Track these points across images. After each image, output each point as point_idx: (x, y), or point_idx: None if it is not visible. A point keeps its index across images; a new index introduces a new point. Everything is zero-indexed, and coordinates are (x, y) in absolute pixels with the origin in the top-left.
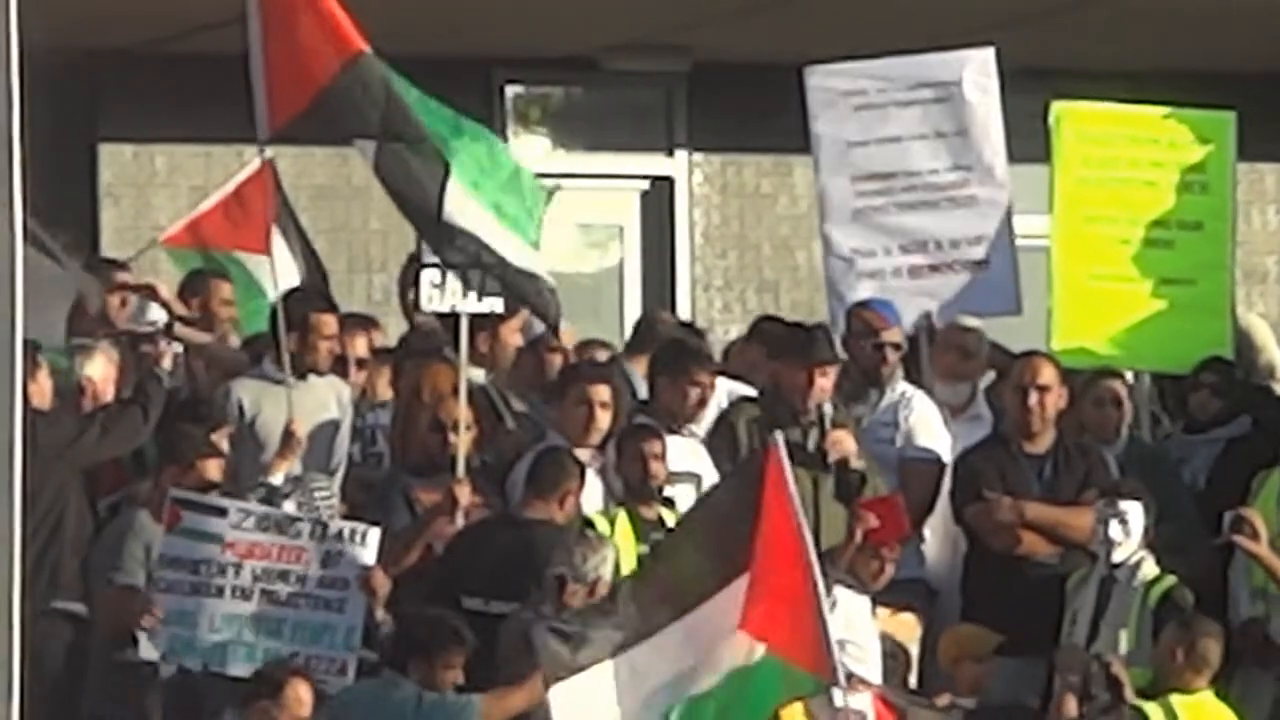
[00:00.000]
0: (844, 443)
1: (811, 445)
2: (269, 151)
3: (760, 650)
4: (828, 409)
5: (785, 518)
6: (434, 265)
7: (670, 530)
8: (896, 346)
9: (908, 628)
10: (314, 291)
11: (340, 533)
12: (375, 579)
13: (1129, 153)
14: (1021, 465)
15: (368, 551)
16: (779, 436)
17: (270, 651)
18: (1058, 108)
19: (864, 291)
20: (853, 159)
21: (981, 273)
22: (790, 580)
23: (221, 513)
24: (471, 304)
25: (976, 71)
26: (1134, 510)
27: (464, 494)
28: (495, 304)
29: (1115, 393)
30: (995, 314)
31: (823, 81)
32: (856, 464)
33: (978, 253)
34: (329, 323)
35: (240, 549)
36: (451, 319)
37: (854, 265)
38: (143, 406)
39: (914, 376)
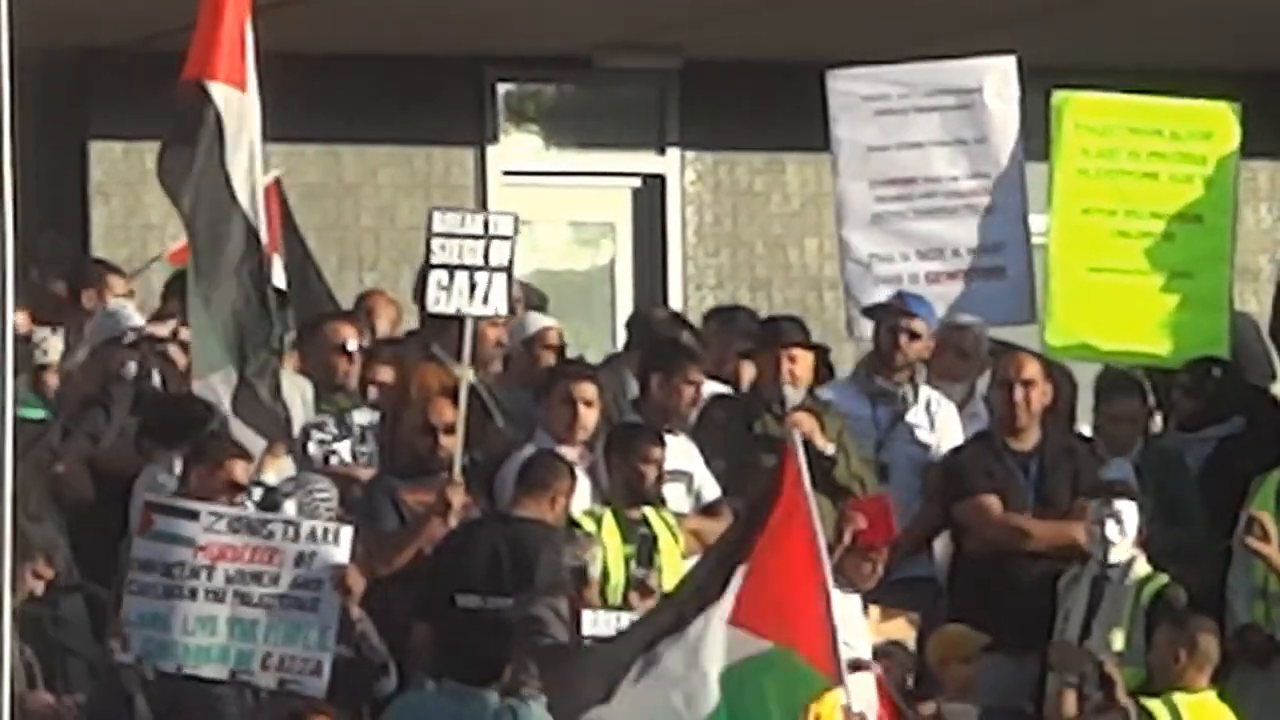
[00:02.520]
0: (803, 424)
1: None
2: (274, 171)
3: (761, 646)
4: (789, 393)
5: (801, 517)
6: (442, 266)
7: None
8: (913, 334)
9: (899, 628)
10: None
11: (313, 532)
12: (350, 578)
13: (1129, 144)
14: (1008, 462)
15: (341, 550)
16: (795, 434)
17: (244, 653)
18: (1059, 97)
19: (880, 296)
20: (872, 164)
21: (997, 281)
22: (803, 581)
23: (193, 516)
24: (478, 307)
25: (998, 79)
26: (1128, 510)
27: (457, 496)
28: (500, 307)
29: (1132, 410)
30: (1010, 323)
31: (844, 85)
32: (825, 448)
33: (994, 261)
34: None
35: (212, 551)
36: (446, 319)
37: (871, 269)
38: (105, 407)
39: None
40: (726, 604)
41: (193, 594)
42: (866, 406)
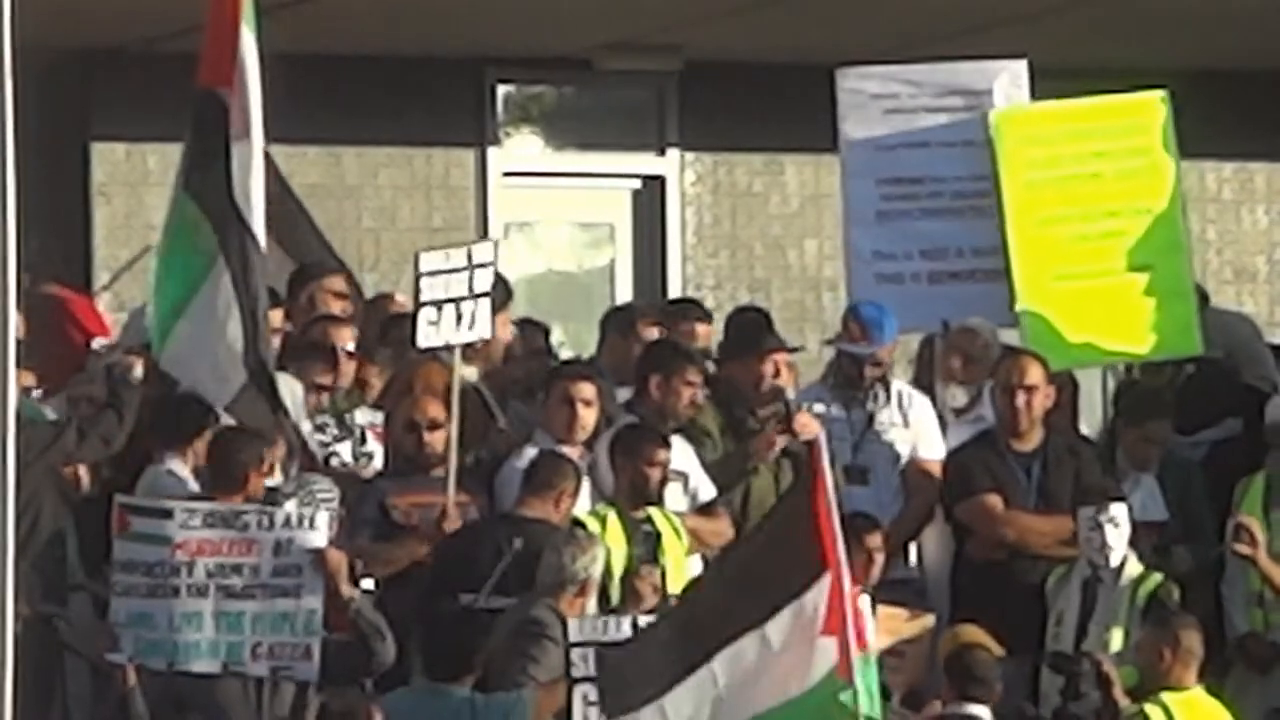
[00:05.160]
0: (810, 425)
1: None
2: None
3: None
4: (791, 395)
5: (830, 518)
6: (430, 304)
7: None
8: (876, 363)
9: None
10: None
11: (288, 519)
12: (331, 559)
13: (1070, 148)
14: (1010, 463)
15: (318, 535)
16: (821, 436)
17: (233, 645)
18: (995, 115)
19: (882, 294)
20: (879, 162)
21: (999, 283)
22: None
23: (168, 514)
24: (463, 334)
25: (1008, 82)
26: (1121, 512)
27: (453, 513)
28: (484, 330)
29: (1164, 432)
30: (1010, 324)
31: (854, 84)
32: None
33: (997, 263)
34: (275, 317)
35: (190, 548)
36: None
37: (874, 267)
38: (117, 410)
39: (924, 380)
40: (817, 617)
41: (175, 591)
42: (840, 410)
